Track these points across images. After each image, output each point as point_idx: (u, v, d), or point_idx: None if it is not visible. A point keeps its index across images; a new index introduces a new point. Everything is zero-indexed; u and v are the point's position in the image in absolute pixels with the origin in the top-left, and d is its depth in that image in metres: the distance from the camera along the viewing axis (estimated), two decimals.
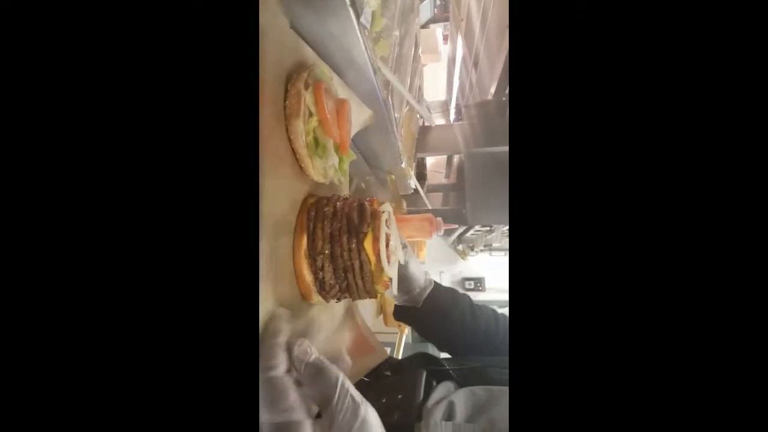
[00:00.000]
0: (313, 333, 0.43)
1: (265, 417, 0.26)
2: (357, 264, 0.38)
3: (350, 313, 0.58)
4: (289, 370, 0.29)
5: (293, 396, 0.27)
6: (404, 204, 1.09)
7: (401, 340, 1.37)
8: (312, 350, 0.30)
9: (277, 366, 0.28)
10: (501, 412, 0.36)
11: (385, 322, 1.01)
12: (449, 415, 0.38)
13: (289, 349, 0.30)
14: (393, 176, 0.90)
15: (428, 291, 0.56)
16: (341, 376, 0.28)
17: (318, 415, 0.28)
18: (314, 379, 0.28)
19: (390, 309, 1.01)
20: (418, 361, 0.50)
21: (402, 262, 0.48)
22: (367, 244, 0.38)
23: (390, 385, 0.47)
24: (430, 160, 1.88)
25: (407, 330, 1.33)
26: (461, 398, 0.39)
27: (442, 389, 0.43)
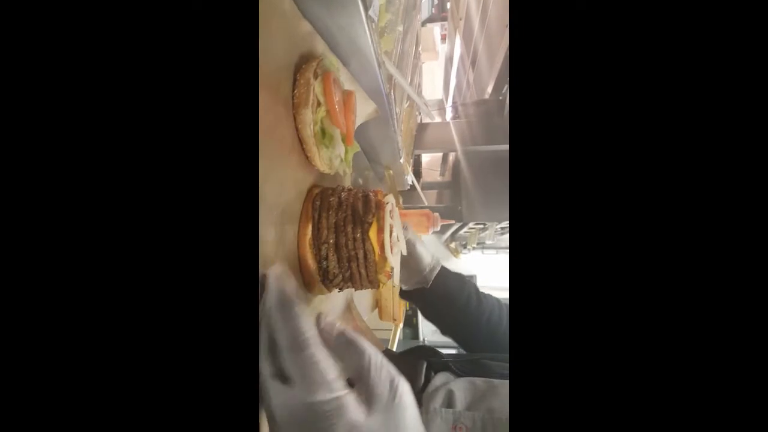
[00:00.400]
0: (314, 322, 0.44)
1: (302, 398, 0.23)
2: (361, 253, 0.39)
3: (349, 306, 0.59)
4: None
5: (333, 368, 0.24)
6: (400, 200, 1.10)
7: (395, 336, 1.37)
8: (336, 322, 0.28)
9: (312, 335, 0.25)
10: (500, 402, 0.37)
11: (380, 317, 1.02)
12: (449, 403, 0.38)
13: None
14: (391, 171, 0.91)
15: (437, 270, 0.57)
16: (372, 347, 0.26)
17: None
18: (345, 351, 0.26)
19: (385, 304, 1.02)
20: (417, 352, 0.51)
21: (404, 253, 0.48)
22: (372, 233, 0.38)
23: None
24: (425, 158, 1.89)
25: (401, 325, 1.33)
26: (461, 387, 0.40)
27: (441, 377, 0.43)
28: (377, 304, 1.02)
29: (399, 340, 1.58)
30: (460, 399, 0.38)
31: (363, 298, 0.86)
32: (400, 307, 0.97)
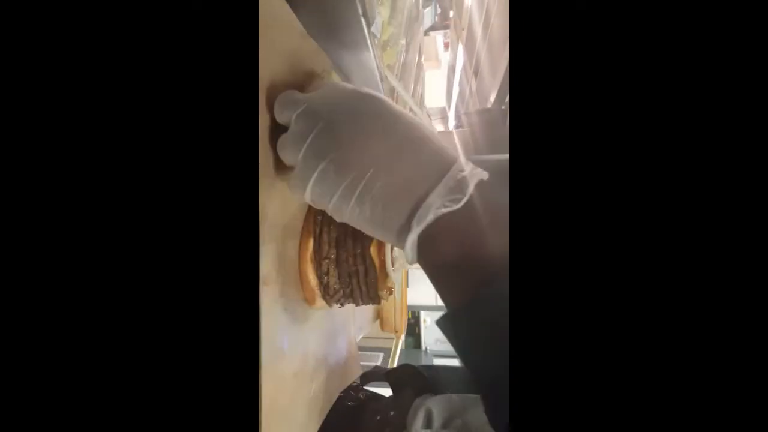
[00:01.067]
0: (314, 336, 0.44)
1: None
2: (362, 269, 0.39)
3: (348, 323, 0.59)
4: None
5: None
6: None
7: (397, 346, 1.36)
8: None
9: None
10: (476, 416, 0.37)
11: (382, 327, 1.02)
12: (428, 422, 0.39)
13: None
14: None
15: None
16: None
17: None
18: None
19: (387, 314, 1.01)
20: (405, 377, 0.51)
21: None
22: (373, 249, 0.38)
23: (384, 404, 0.49)
24: None
25: (403, 336, 1.33)
26: (437, 405, 0.40)
27: (421, 397, 0.44)
28: (378, 314, 1.01)
29: (401, 350, 1.57)
30: (437, 417, 0.39)
31: (364, 308, 0.86)
32: (402, 318, 0.96)
